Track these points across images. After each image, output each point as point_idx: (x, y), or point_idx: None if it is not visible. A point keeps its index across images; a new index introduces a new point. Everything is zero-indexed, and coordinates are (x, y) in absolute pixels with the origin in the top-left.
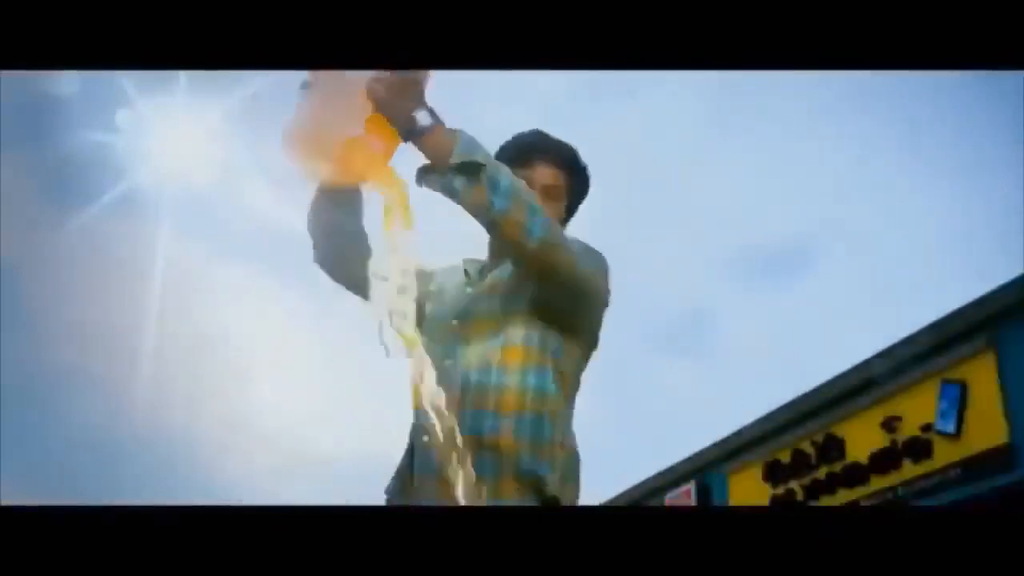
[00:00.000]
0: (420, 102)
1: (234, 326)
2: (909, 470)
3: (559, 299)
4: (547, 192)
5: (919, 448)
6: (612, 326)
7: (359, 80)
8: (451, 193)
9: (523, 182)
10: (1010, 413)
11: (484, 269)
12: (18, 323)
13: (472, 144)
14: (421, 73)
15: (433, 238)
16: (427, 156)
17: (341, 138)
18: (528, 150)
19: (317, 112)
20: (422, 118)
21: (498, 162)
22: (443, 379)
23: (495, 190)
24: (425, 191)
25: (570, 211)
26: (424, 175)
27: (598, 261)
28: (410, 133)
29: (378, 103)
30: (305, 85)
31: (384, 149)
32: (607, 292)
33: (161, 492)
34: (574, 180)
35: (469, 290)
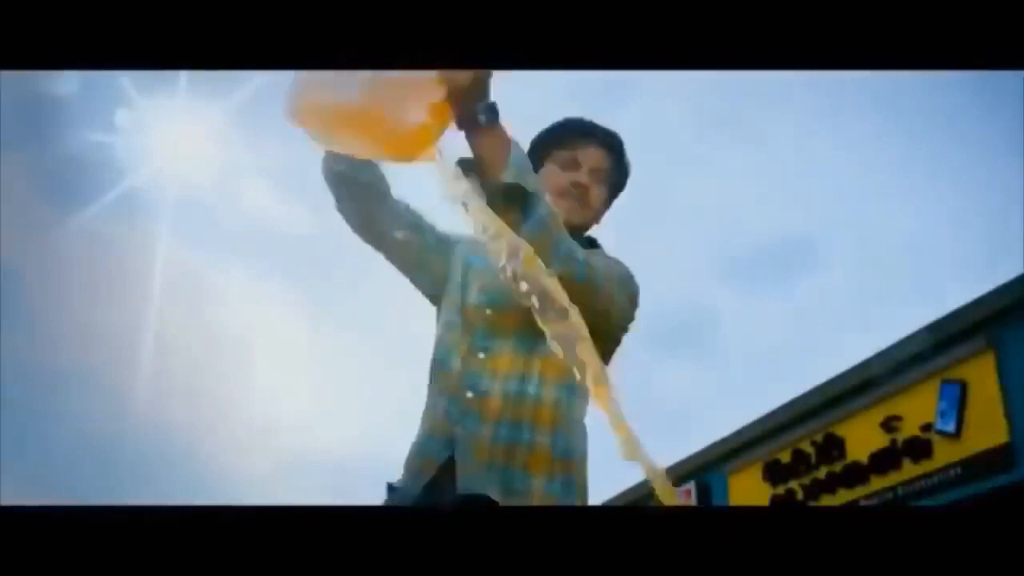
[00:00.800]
0: (487, 95)
1: (234, 326)
2: (909, 470)
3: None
4: (593, 175)
5: (919, 448)
6: None
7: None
8: (488, 201)
9: (557, 212)
10: (1010, 413)
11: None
12: (18, 323)
13: (524, 165)
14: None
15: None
16: (477, 153)
17: (393, 115)
18: (576, 131)
19: (367, 88)
20: (483, 111)
21: (538, 189)
22: (474, 374)
23: (528, 215)
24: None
25: (611, 199)
26: (466, 171)
27: (629, 287)
28: (470, 124)
29: (451, 91)
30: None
31: (436, 133)
32: (633, 315)
33: (161, 492)
34: (618, 168)
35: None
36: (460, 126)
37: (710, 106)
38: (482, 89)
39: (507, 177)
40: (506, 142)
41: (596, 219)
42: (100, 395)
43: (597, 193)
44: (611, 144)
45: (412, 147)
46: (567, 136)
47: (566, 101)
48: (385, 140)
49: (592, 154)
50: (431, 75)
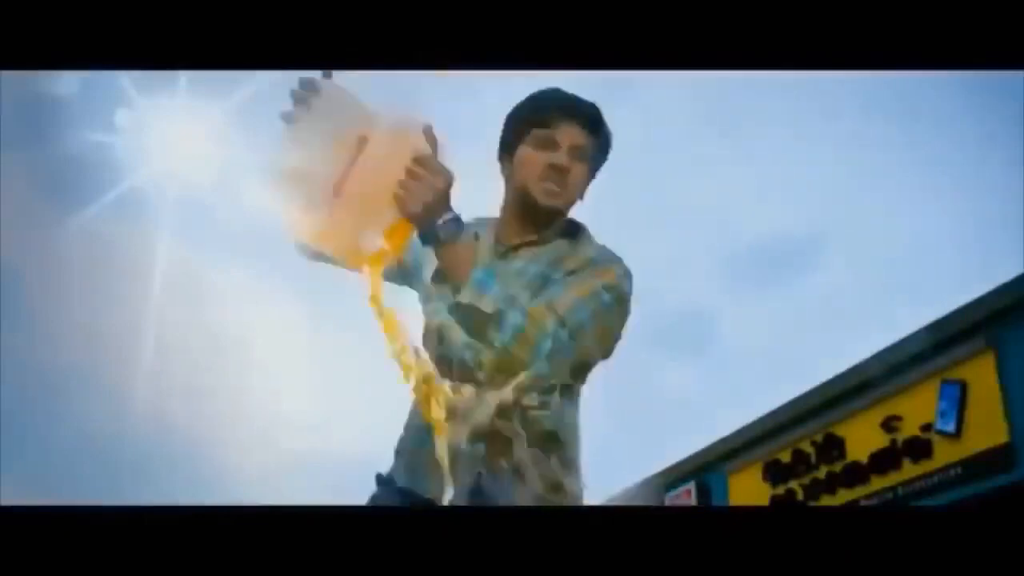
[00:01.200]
0: (447, 209)
1: (234, 326)
2: (909, 470)
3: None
4: (573, 152)
5: (919, 448)
6: None
7: (381, 180)
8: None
9: (539, 311)
10: (1010, 413)
11: (501, 247)
12: (18, 323)
13: (484, 282)
14: (450, 178)
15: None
16: (441, 265)
17: (361, 234)
18: (551, 107)
19: (328, 212)
20: (444, 227)
21: (510, 295)
22: (437, 349)
23: (501, 328)
24: None
25: (592, 175)
26: (438, 281)
27: (618, 312)
28: (431, 239)
29: (409, 215)
30: (289, 118)
31: (395, 252)
32: (626, 319)
33: (162, 492)
34: (599, 141)
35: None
36: (424, 241)
37: (710, 106)
38: (442, 205)
39: (465, 296)
40: (468, 256)
41: (579, 197)
42: (100, 395)
43: (577, 172)
44: (590, 117)
45: (371, 263)
46: (542, 113)
47: None
48: (347, 257)
49: (570, 131)
50: (389, 195)
